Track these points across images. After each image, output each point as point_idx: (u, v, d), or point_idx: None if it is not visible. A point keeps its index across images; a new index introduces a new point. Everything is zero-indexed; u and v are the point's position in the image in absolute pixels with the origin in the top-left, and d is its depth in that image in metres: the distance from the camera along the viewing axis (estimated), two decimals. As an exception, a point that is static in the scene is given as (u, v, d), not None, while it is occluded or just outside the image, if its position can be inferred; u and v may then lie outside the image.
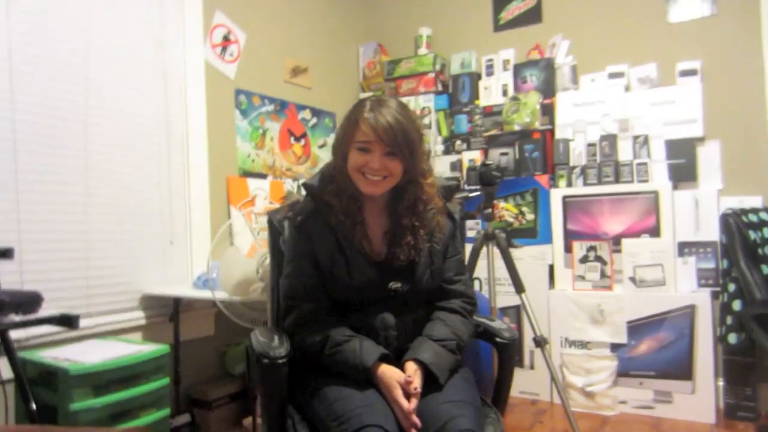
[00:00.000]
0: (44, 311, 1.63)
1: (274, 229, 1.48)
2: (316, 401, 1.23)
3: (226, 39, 2.61)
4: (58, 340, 1.90)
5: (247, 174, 2.68)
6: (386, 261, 1.32)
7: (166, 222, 2.33)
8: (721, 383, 2.50)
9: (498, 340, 1.40)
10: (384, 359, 1.23)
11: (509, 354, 1.40)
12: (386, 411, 1.15)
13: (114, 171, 2.15)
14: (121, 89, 2.18)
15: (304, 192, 1.39)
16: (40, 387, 1.68)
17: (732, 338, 2.23)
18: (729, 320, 2.24)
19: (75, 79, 2.03)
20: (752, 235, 2.16)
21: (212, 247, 2.23)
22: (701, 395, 2.42)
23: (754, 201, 2.49)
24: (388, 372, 1.20)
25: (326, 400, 1.20)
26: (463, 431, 1.10)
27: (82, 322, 1.83)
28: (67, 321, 1.64)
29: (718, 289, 2.44)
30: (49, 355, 1.73)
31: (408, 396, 1.17)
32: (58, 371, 1.63)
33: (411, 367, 1.22)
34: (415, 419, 1.13)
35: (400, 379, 1.18)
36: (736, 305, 2.21)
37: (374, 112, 1.26)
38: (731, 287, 2.24)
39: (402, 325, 1.30)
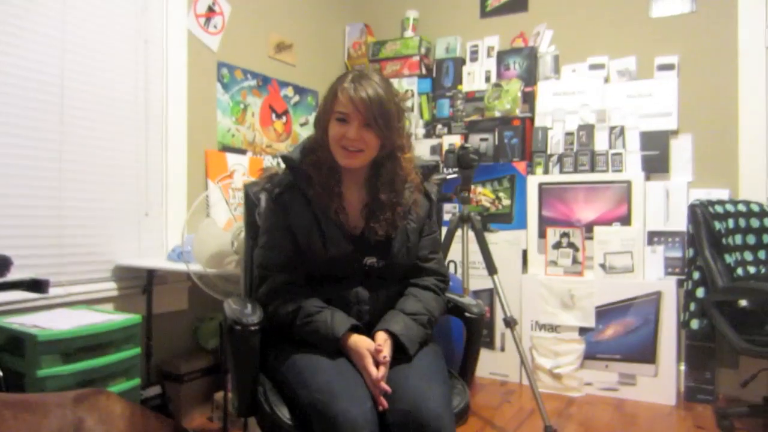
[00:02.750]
0: (13, 277, 1.61)
1: (250, 202, 1.48)
2: (284, 368, 1.24)
3: (211, 10, 2.57)
4: (27, 307, 1.87)
5: (227, 149, 2.65)
6: (363, 235, 1.33)
7: (141, 193, 2.30)
8: (682, 367, 2.60)
9: (467, 315, 1.44)
10: (354, 330, 1.25)
11: (477, 329, 1.45)
12: (358, 380, 1.18)
13: (90, 138, 2.11)
14: (100, 54, 2.14)
15: (282, 165, 1.40)
16: (7, 353, 1.65)
17: (694, 324, 2.31)
18: (692, 307, 2.32)
19: (52, 42, 1.98)
20: (717, 225, 2.23)
21: (188, 220, 2.21)
22: (663, 378, 2.51)
23: (722, 193, 2.58)
24: (358, 341, 1.23)
25: (295, 367, 1.22)
26: (432, 416, 1.11)
27: (53, 291, 1.81)
28: (37, 286, 1.62)
29: (683, 277, 2.52)
30: (17, 321, 1.71)
31: (377, 365, 1.19)
32: (26, 337, 1.61)
33: (381, 336, 1.25)
34: (384, 386, 1.16)
35: (371, 347, 1.21)
36: (700, 292, 2.29)
37: (354, 83, 1.27)
38: (696, 275, 2.32)
39: (375, 300, 1.32)
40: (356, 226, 1.35)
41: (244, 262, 1.51)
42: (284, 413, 1.20)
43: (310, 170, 1.33)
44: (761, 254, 2.30)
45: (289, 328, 1.28)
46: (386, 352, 1.21)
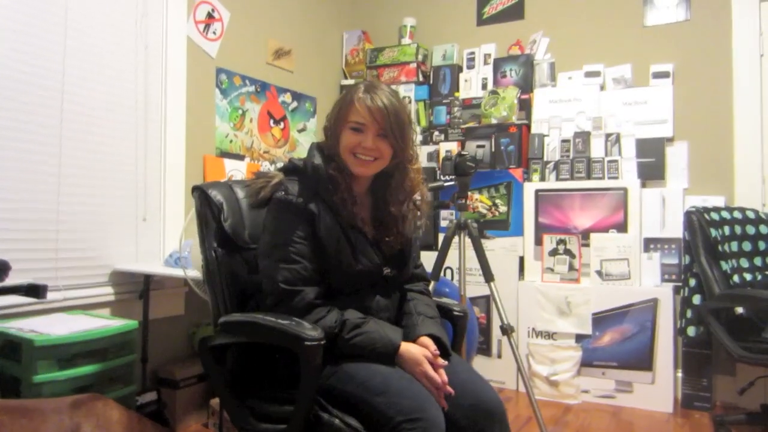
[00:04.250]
0: (11, 282, 1.60)
1: (213, 205, 1.36)
2: (335, 381, 1.20)
3: (210, 16, 2.59)
4: (24, 312, 1.87)
5: (225, 154, 2.66)
6: (378, 246, 1.34)
7: (139, 198, 2.30)
8: (679, 374, 2.60)
9: (456, 313, 1.49)
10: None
11: (463, 326, 1.50)
12: (421, 385, 1.18)
13: (89, 142, 2.11)
14: (101, 60, 2.15)
15: (276, 169, 1.39)
16: (4, 358, 1.65)
17: (691, 331, 2.32)
18: (689, 314, 2.33)
19: (53, 46, 1.99)
20: (714, 232, 2.25)
21: (185, 225, 2.21)
22: (660, 385, 2.51)
23: (717, 200, 2.59)
24: (411, 348, 1.24)
25: (354, 378, 1.18)
26: (496, 401, 1.22)
27: (50, 296, 1.80)
28: (35, 291, 1.61)
29: (680, 283, 2.53)
30: (14, 326, 1.70)
31: (434, 368, 1.21)
32: (23, 342, 1.61)
33: (430, 341, 1.27)
34: (449, 389, 1.19)
35: (426, 353, 1.22)
36: (696, 299, 2.30)
37: (369, 94, 1.29)
38: (692, 282, 2.33)
39: (391, 307, 1.35)
40: (371, 237, 1.35)
41: (207, 274, 1.35)
42: (358, 425, 1.14)
43: (336, 174, 1.30)
44: (757, 261, 2.31)
45: (334, 340, 1.22)
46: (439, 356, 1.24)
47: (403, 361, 1.22)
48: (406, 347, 1.24)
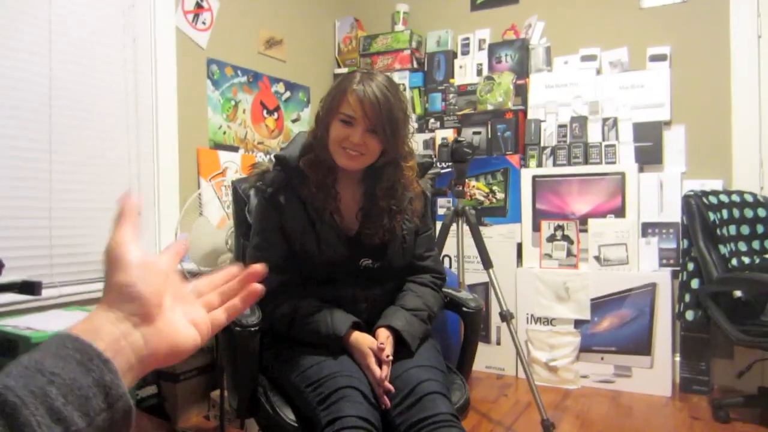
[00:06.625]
0: (5, 279, 1.59)
1: (239, 198, 1.46)
2: (287, 369, 1.23)
3: (199, 6, 2.54)
4: (20, 309, 1.85)
5: (218, 146, 2.63)
6: (357, 236, 1.32)
7: (133, 192, 2.28)
8: (677, 358, 2.61)
9: (464, 309, 1.43)
10: (355, 326, 1.24)
11: (475, 323, 1.44)
12: (360, 375, 1.17)
13: (80, 137, 2.09)
14: (88, 52, 2.11)
15: (273, 161, 1.37)
16: (0, 356, 1.64)
17: (689, 315, 2.32)
18: (687, 298, 2.33)
19: (39, 40, 1.95)
20: (712, 216, 2.24)
21: (181, 218, 2.20)
22: (659, 370, 2.52)
23: (715, 184, 2.58)
24: (360, 339, 1.22)
25: (299, 367, 1.20)
26: (432, 393, 1.13)
27: (45, 292, 1.79)
28: (29, 288, 1.59)
29: (678, 268, 2.53)
30: (10, 324, 1.69)
31: (379, 363, 1.18)
32: (19, 339, 1.59)
33: (383, 333, 1.23)
34: (388, 385, 1.15)
35: (373, 345, 1.19)
36: (695, 283, 2.30)
37: (363, 86, 1.22)
38: (690, 266, 2.32)
39: (371, 298, 1.31)
40: (351, 228, 1.33)
41: (235, 260, 1.50)
42: (287, 414, 1.19)
43: (306, 169, 1.30)
44: (755, 244, 2.30)
45: (288, 329, 1.26)
46: (389, 350, 1.20)
47: (354, 351, 1.22)
48: (357, 338, 1.22)
